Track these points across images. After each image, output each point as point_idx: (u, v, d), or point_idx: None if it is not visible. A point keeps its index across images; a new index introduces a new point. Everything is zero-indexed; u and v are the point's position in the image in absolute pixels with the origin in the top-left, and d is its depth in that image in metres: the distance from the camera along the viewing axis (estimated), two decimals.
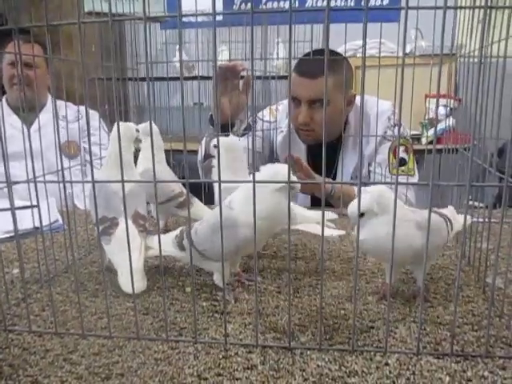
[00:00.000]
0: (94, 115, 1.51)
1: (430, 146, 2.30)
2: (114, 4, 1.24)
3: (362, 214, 0.63)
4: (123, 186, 0.59)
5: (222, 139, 0.87)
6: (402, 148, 1.31)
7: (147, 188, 0.86)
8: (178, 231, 0.81)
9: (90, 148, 0.67)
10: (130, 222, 0.78)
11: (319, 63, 1.19)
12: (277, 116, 1.46)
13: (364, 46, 0.57)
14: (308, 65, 1.25)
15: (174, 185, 1.05)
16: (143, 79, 1.50)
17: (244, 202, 0.70)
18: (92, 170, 0.60)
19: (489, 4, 0.52)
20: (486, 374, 0.56)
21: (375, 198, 0.66)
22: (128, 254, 0.61)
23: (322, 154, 0.53)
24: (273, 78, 1.97)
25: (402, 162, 1.31)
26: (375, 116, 1.30)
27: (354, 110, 1.40)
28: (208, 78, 2.48)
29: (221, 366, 0.58)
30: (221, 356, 0.60)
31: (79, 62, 0.60)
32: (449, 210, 0.79)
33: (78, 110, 1.52)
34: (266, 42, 2.67)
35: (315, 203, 1.41)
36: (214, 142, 0.93)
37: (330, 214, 0.92)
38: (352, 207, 0.66)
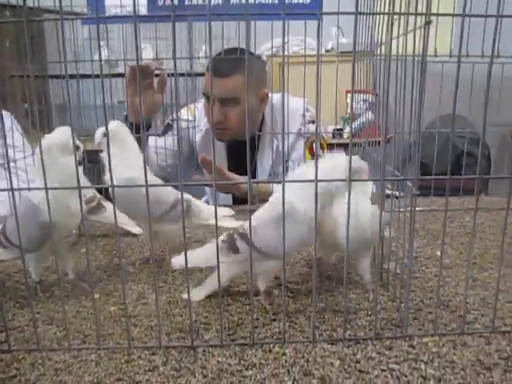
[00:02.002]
0: (8, 116, 1.43)
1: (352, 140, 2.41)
2: None
3: None
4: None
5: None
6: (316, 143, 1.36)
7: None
8: (222, 237, 0.73)
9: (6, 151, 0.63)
10: None
11: (231, 62, 1.22)
12: (196, 114, 1.46)
13: (283, 47, 0.60)
14: (220, 64, 1.26)
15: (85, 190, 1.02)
16: (65, 77, 1.44)
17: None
18: (10, 175, 0.58)
19: (392, 11, 0.56)
20: (373, 355, 0.60)
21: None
22: None
23: (240, 154, 0.55)
24: (196, 75, 1.96)
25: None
26: (291, 114, 1.33)
27: (270, 109, 1.43)
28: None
29: (122, 370, 0.58)
30: (123, 360, 0.60)
31: None
32: None
33: None
34: (192, 39, 2.65)
35: (237, 202, 1.43)
36: (102, 129, 0.84)
37: (227, 211, 0.95)
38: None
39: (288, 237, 0.60)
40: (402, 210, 0.77)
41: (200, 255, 0.72)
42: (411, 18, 0.61)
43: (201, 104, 1.51)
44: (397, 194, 0.96)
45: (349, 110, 2.60)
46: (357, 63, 1.16)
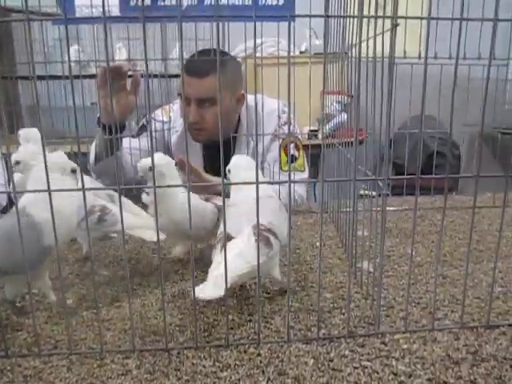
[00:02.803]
0: None
1: (326, 141, 2.44)
2: None
3: None
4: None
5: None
6: (292, 145, 1.38)
7: None
8: (247, 234, 0.69)
9: None
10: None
11: (206, 63, 1.21)
12: (171, 115, 1.45)
13: (254, 48, 0.60)
14: (196, 65, 1.26)
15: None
16: (41, 78, 1.41)
17: None
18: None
19: (361, 14, 0.57)
20: (346, 352, 0.61)
21: None
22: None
23: (217, 154, 0.55)
24: (170, 76, 1.94)
25: (293, 160, 1.38)
26: (266, 115, 1.34)
27: (246, 110, 1.44)
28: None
29: (94, 375, 0.57)
30: (95, 365, 0.59)
31: None
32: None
33: None
34: (166, 40, 2.63)
35: None
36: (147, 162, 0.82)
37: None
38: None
39: None
40: (373, 209, 0.79)
41: (236, 261, 0.64)
42: (380, 21, 0.62)
43: (176, 105, 1.51)
44: (372, 193, 0.98)
45: (325, 111, 2.63)
46: (330, 65, 1.18)
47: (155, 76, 1.45)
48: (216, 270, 0.64)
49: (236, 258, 0.64)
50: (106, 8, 0.52)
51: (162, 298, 0.61)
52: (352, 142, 1.13)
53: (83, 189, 0.57)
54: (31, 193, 0.68)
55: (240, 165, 0.82)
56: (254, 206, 0.58)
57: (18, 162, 0.80)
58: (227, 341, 0.63)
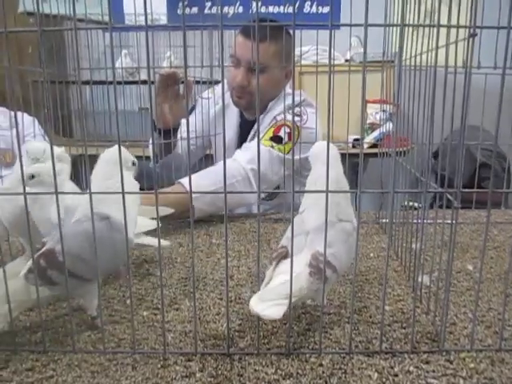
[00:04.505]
0: (31, 121, 1.45)
1: (371, 150, 2.41)
2: (54, 5, 1.20)
3: None
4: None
5: None
6: (286, 129, 1.30)
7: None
8: (305, 262, 0.64)
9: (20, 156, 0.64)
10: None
11: (264, 29, 1.20)
12: (215, 92, 1.47)
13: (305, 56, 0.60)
14: (253, 29, 1.25)
15: None
16: (86, 83, 1.46)
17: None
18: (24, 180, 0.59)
19: (404, 22, 0.56)
20: (411, 368, 0.59)
21: None
22: None
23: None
24: (216, 83, 1.97)
25: (278, 140, 1.31)
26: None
27: (276, 102, 1.42)
28: (151, 82, 2.45)
29: (159, 375, 0.58)
30: (159, 366, 0.60)
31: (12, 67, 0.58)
32: None
33: (11, 117, 1.45)
34: (212, 47, 2.67)
35: None
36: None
37: (149, 223, 0.88)
38: None
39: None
40: (432, 222, 0.77)
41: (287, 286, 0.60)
42: (443, 30, 0.61)
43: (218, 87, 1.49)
44: (416, 205, 0.96)
45: (368, 120, 2.60)
46: (372, 74, 1.17)
47: (200, 82, 1.47)
48: (275, 290, 0.63)
49: (287, 284, 0.60)
50: (155, 16, 0.54)
51: (227, 304, 0.61)
52: (403, 152, 1.12)
53: (122, 192, 0.58)
54: (99, 194, 0.69)
55: (320, 153, 0.70)
56: (322, 227, 0.58)
57: (32, 176, 0.75)
58: (288, 349, 0.62)
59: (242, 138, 1.47)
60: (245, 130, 1.46)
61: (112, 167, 0.68)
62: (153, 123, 1.27)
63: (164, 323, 0.64)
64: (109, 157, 0.71)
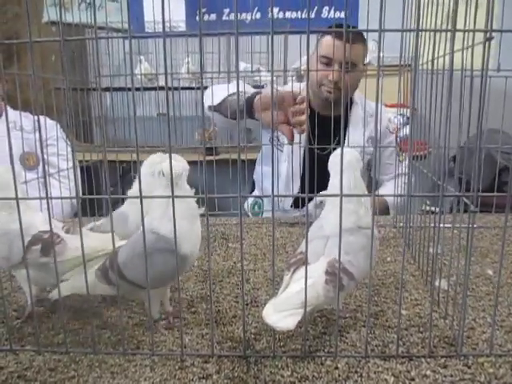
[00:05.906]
0: (53, 125, 1.49)
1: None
2: (76, 14, 1.24)
3: None
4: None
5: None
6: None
7: None
8: (321, 269, 0.65)
9: (43, 159, 0.66)
10: None
11: (354, 32, 1.38)
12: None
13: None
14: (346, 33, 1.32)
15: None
16: (106, 89, 1.49)
17: None
18: (46, 183, 0.61)
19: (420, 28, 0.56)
20: (428, 373, 0.59)
21: None
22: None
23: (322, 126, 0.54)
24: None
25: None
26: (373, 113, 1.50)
27: (358, 94, 1.63)
28: (168, 88, 2.48)
29: (177, 376, 0.59)
30: (177, 367, 0.61)
31: (36, 75, 0.60)
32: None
33: (35, 121, 1.49)
34: (229, 54, 2.70)
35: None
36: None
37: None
38: None
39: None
40: (456, 226, 0.76)
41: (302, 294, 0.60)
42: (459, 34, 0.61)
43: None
44: (433, 209, 0.95)
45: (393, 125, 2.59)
46: (389, 78, 1.17)
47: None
48: (289, 300, 0.62)
49: (302, 292, 0.59)
50: (173, 24, 0.55)
51: (243, 307, 0.62)
52: (421, 156, 1.11)
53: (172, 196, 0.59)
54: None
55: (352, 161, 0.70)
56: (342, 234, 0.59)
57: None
58: (304, 352, 0.63)
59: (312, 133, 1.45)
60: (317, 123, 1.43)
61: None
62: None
63: (181, 326, 0.65)
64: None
